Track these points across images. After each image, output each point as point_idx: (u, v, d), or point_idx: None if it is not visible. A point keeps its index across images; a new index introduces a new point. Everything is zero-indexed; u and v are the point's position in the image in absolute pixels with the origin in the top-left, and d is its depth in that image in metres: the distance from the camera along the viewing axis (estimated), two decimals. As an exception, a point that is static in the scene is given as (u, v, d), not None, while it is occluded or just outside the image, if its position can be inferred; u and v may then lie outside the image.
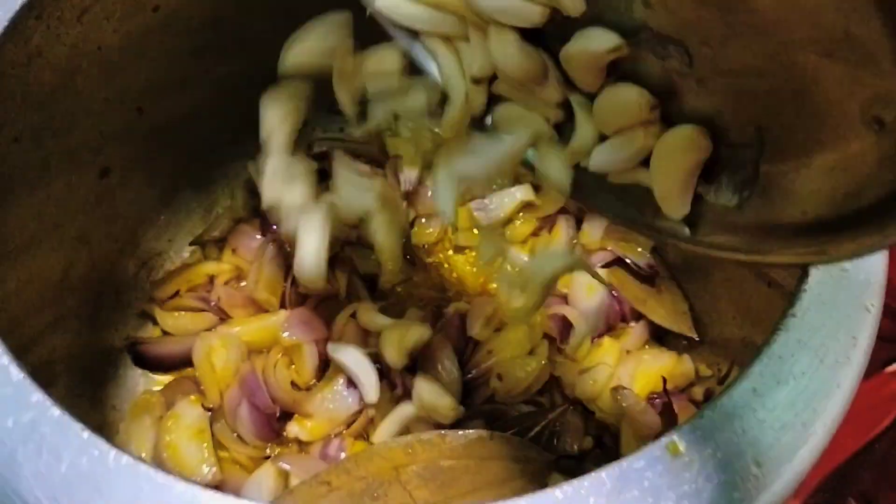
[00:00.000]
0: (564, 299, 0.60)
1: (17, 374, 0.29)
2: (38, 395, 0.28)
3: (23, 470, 0.27)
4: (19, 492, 0.27)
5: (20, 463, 0.27)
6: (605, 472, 0.27)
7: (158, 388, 0.59)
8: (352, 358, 0.55)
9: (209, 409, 0.56)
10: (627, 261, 0.61)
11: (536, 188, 0.65)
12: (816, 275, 0.33)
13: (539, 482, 0.49)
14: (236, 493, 0.53)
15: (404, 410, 0.54)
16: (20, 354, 0.44)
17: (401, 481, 0.48)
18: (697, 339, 0.58)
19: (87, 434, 0.27)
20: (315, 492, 0.48)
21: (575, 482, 0.27)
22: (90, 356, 0.56)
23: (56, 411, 0.27)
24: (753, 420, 0.29)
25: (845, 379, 0.31)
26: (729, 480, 0.28)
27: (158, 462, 0.53)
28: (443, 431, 0.51)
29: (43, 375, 0.49)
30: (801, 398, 0.30)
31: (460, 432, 0.50)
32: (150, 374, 0.60)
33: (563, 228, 0.63)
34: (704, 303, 0.58)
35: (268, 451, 0.55)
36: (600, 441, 0.56)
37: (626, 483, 0.27)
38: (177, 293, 0.61)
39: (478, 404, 0.56)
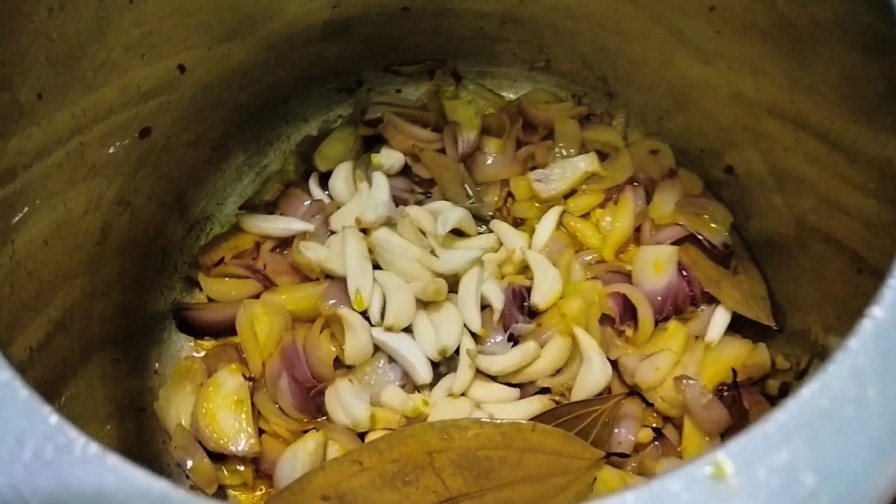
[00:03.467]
0: (627, 277, 0.55)
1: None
2: (5, 374, 0.26)
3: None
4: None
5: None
6: (632, 494, 0.23)
7: (202, 354, 0.58)
8: (400, 341, 0.52)
9: (251, 379, 0.55)
10: (700, 238, 0.56)
11: (602, 156, 0.60)
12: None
13: (584, 480, 0.45)
14: (272, 464, 0.51)
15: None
16: (56, 324, 0.45)
17: (434, 468, 0.45)
18: (776, 327, 0.52)
19: (54, 419, 0.25)
20: (346, 470, 0.46)
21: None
22: (134, 320, 0.55)
23: (24, 393, 0.25)
24: (820, 441, 0.24)
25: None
26: (783, 513, 0.23)
27: (196, 430, 0.52)
28: (482, 419, 0.47)
29: (82, 340, 0.49)
30: (882, 418, 0.25)
31: (499, 420, 0.47)
32: (194, 340, 0.59)
33: (630, 200, 0.58)
34: (786, 288, 0.52)
35: (309, 424, 0.53)
36: (660, 434, 0.51)
37: (656, 510, 0.23)
38: (221, 260, 0.59)
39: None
